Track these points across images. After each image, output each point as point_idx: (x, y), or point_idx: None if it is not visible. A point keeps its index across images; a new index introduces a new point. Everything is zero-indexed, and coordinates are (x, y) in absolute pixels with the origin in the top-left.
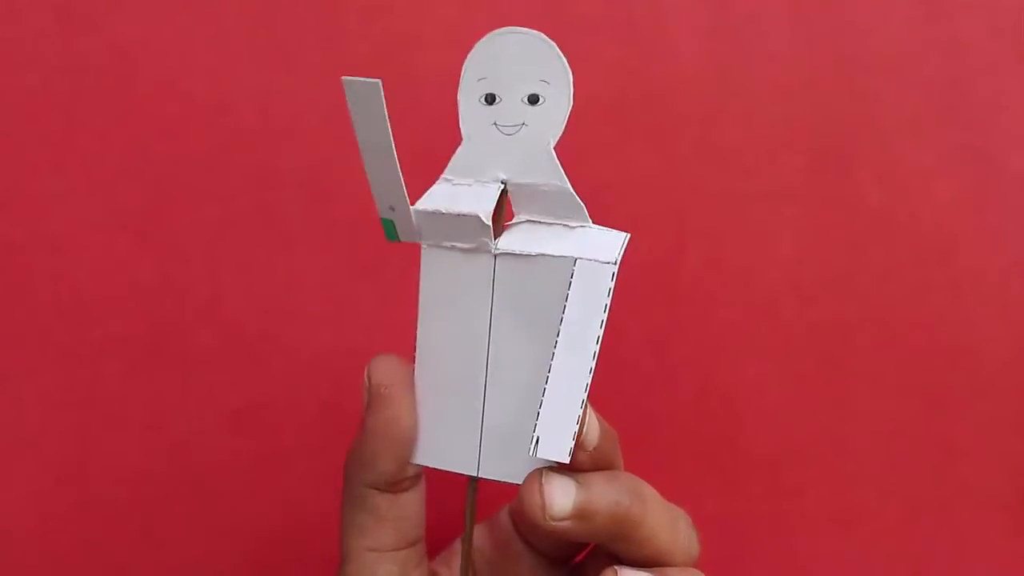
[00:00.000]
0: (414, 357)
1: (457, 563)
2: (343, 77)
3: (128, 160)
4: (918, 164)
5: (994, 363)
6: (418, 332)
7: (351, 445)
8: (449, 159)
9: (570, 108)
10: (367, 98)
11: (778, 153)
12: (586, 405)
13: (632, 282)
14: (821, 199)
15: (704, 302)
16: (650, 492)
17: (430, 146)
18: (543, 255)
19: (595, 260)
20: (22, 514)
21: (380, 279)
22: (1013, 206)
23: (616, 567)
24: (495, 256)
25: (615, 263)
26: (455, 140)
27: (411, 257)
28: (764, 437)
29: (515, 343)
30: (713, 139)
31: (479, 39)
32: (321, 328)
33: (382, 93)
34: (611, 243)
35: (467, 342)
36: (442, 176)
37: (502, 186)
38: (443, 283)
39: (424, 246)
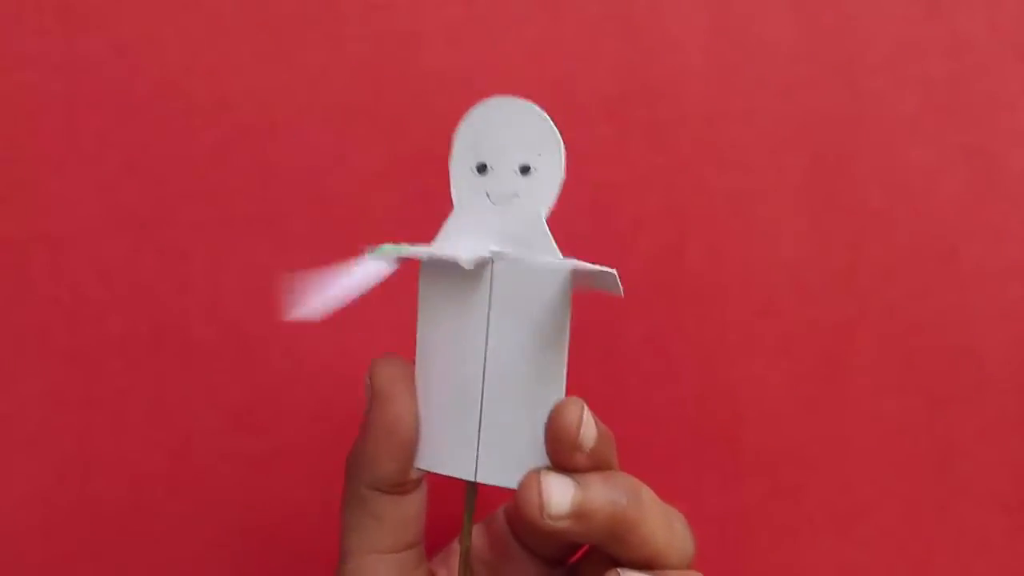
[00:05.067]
0: (414, 361)
1: (454, 563)
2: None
3: (128, 160)
4: (919, 163)
5: (995, 363)
6: (417, 337)
7: (353, 445)
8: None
9: (562, 179)
10: None
11: (779, 152)
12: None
13: (632, 282)
14: (822, 198)
15: (704, 301)
16: (647, 493)
17: (430, 145)
18: (539, 261)
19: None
20: (22, 514)
21: None
22: (1014, 205)
23: (618, 569)
24: (492, 262)
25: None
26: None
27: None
28: (764, 437)
29: (512, 348)
30: (714, 138)
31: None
32: (321, 328)
33: None
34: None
35: (465, 347)
36: (432, 243)
37: (490, 256)
38: (441, 289)
39: None
